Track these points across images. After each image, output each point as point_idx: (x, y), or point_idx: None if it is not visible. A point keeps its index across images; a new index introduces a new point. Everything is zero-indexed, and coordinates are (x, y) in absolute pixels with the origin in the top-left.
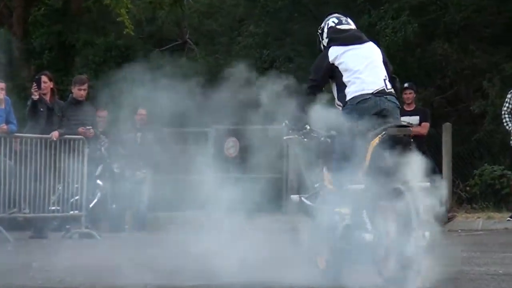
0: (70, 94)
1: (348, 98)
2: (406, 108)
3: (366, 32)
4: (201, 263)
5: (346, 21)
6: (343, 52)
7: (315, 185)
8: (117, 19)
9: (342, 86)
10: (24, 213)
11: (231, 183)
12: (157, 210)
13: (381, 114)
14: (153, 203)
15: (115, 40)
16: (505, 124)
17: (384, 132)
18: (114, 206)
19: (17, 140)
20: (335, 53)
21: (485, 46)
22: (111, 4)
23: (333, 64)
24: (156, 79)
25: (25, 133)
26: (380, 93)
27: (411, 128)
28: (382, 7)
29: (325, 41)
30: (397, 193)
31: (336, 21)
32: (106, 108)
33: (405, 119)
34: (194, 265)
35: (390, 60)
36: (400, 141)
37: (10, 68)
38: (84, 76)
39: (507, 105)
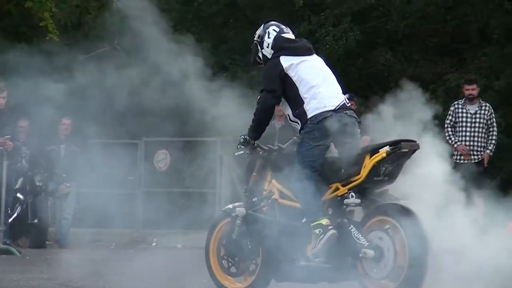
0: None
1: (309, 115)
2: None
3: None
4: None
5: (287, 29)
6: (298, 63)
7: (253, 199)
8: (40, 24)
9: (298, 101)
10: None
11: (161, 198)
12: (82, 226)
13: (343, 130)
14: (77, 219)
15: (37, 45)
16: (447, 137)
17: (396, 147)
18: (35, 221)
19: None
20: (288, 63)
21: (430, 56)
22: (33, 8)
23: (286, 74)
24: (81, 87)
25: None
26: (341, 109)
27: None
28: (323, 13)
29: (267, 51)
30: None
31: (277, 29)
32: (27, 117)
33: None
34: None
35: (331, 70)
36: (405, 156)
37: None
38: (1, 84)
39: (450, 117)
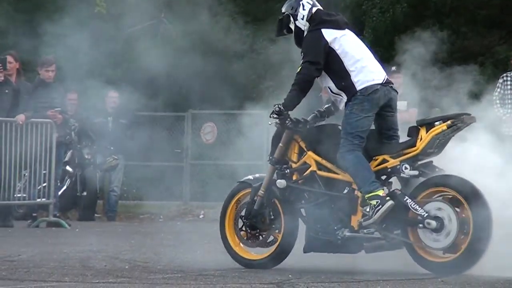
0: (37, 76)
1: (359, 87)
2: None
3: (352, 12)
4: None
5: (317, 3)
6: (340, 36)
7: (286, 170)
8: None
9: (344, 73)
10: None
11: (208, 170)
12: (130, 199)
13: (388, 104)
14: (125, 191)
15: (86, 19)
16: (496, 110)
17: (457, 121)
18: (84, 193)
19: None
20: (332, 36)
21: (478, 28)
22: None
23: (330, 47)
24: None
25: None
26: (386, 83)
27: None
28: None
29: (302, 22)
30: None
31: (311, 1)
32: (76, 90)
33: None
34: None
35: (378, 42)
36: (459, 129)
37: None
38: (51, 57)
39: (498, 90)
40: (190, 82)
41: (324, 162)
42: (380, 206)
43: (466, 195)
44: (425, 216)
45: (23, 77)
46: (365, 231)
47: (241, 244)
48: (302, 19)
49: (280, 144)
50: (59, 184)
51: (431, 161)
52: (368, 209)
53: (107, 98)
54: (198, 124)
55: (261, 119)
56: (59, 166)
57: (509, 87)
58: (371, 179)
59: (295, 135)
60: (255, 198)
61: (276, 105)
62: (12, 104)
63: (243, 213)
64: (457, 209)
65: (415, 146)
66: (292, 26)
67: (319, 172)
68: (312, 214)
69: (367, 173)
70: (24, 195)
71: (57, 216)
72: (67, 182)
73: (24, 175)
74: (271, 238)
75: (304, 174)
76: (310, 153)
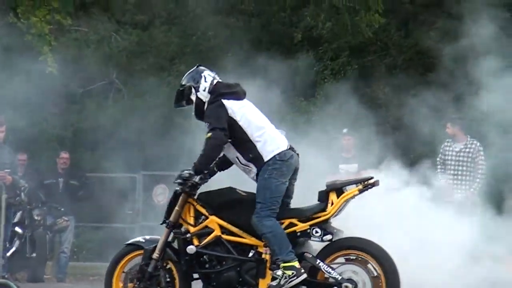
0: None
1: (269, 157)
2: (345, 154)
3: (305, 74)
4: None
5: (217, 75)
6: (240, 107)
7: (187, 235)
8: (39, 58)
9: (250, 145)
10: None
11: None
12: (80, 260)
13: (295, 171)
14: (75, 253)
15: (37, 79)
16: (437, 175)
17: (369, 185)
18: (33, 255)
19: None
20: (233, 107)
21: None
22: (32, 41)
23: (231, 117)
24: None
25: None
26: (292, 149)
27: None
28: (321, 48)
29: (204, 94)
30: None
31: (212, 74)
32: (25, 151)
33: (343, 167)
34: None
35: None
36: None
37: None
38: (1, 117)
39: (440, 155)
40: (141, 143)
41: (229, 226)
42: (295, 277)
43: (374, 255)
44: (339, 279)
45: None
46: None
47: None
48: (204, 90)
49: (177, 208)
50: (8, 245)
51: (330, 222)
52: (279, 274)
53: (58, 159)
54: (149, 185)
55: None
56: (8, 227)
57: (450, 153)
58: (289, 248)
59: (190, 198)
60: (149, 261)
61: (186, 171)
62: None
63: (132, 276)
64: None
65: (325, 210)
66: (193, 98)
67: (224, 236)
68: (218, 278)
69: (285, 242)
70: None
71: (6, 277)
72: (16, 243)
73: None
74: None
75: (207, 238)
76: (213, 217)
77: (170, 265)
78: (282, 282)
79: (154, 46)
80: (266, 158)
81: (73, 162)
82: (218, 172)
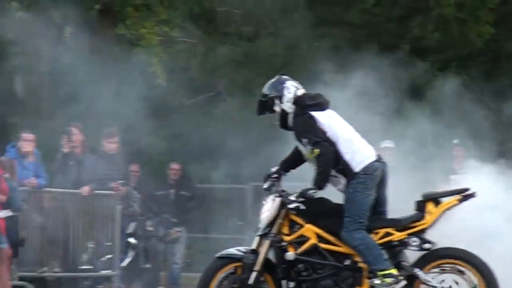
0: (101, 148)
1: (357, 169)
2: (456, 165)
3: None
4: None
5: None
6: (327, 119)
7: (283, 243)
8: (149, 70)
9: (338, 156)
10: (55, 272)
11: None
12: (192, 271)
13: (384, 179)
14: (188, 263)
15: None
16: None
17: (468, 195)
18: (147, 265)
19: (46, 195)
20: (321, 119)
21: None
22: (142, 53)
23: (322, 129)
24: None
25: (55, 188)
26: (380, 158)
27: None
28: (429, 58)
29: (288, 105)
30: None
31: (295, 84)
32: (137, 162)
33: (456, 177)
34: None
35: None
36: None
37: (38, 119)
38: (114, 129)
39: None
40: (249, 153)
41: (325, 234)
42: (395, 284)
43: (474, 265)
44: (437, 287)
45: (87, 149)
46: None
47: None
48: (288, 102)
49: (279, 220)
50: (122, 255)
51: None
52: (377, 282)
53: (169, 170)
54: (258, 196)
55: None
56: (123, 237)
57: None
58: (383, 257)
59: (298, 209)
60: (249, 274)
61: (312, 191)
62: (77, 176)
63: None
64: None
65: (423, 219)
66: (277, 109)
67: (321, 244)
68: (315, 286)
69: (378, 251)
70: (89, 266)
71: (121, 287)
72: (130, 254)
73: (89, 246)
74: None
75: (303, 246)
76: (309, 226)
77: (266, 277)
78: None
79: (260, 57)
80: (356, 169)
81: (183, 173)
82: (285, 174)
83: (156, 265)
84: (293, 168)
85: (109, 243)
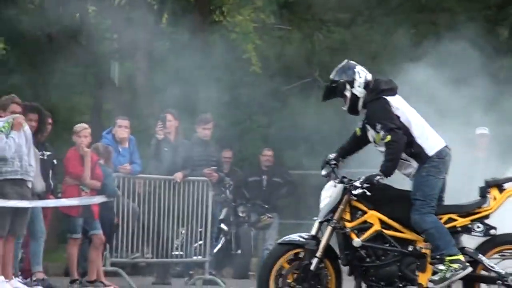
0: (195, 134)
1: (431, 153)
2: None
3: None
4: None
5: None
6: (400, 104)
7: (347, 229)
8: (244, 56)
9: (411, 140)
10: (147, 258)
11: None
12: None
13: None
14: None
15: (241, 77)
16: None
17: None
18: (239, 251)
19: (140, 181)
20: (395, 104)
21: None
22: (237, 40)
23: (396, 114)
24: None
25: (149, 174)
26: (447, 146)
27: None
28: None
29: (359, 90)
30: None
31: (365, 69)
32: (231, 148)
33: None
34: None
35: None
36: None
37: (134, 105)
38: (208, 115)
39: None
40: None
41: (389, 221)
42: (462, 270)
43: None
44: (503, 273)
45: (181, 135)
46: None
47: None
48: (359, 86)
49: (341, 206)
50: (214, 242)
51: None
52: (442, 268)
53: (261, 156)
54: None
55: None
56: (215, 224)
57: None
58: (452, 242)
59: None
60: (311, 260)
61: (379, 177)
62: (171, 162)
63: (289, 279)
64: None
65: (487, 205)
66: (347, 94)
67: (385, 231)
68: (378, 273)
69: (449, 237)
70: (181, 252)
71: (213, 274)
72: (222, 240)
73: (181, 232)
74: None
75: (366, 233)
76: (373, 212)
77: (327, 263)
78: (448, 275)
79: (356, 44)
80: (430, 153)
81: (276, 160)
82: (343, 160)
83: (247, 251)
84: (351, 154)
85: (201, 229)
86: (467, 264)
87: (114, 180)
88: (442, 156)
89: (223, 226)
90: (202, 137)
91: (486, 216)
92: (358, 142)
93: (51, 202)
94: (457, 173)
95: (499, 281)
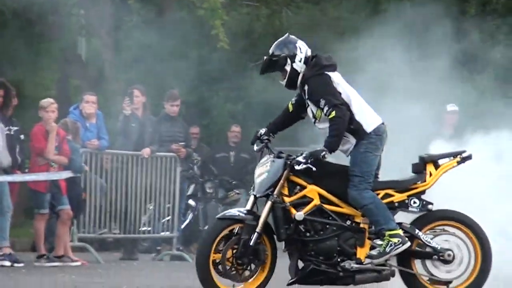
0: (163, 110)
1: (370, 129)
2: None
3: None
4: None
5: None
6: (340, 80)
7: (286, 204)
8: (211, 32)
9: (350, 116)
10: (114, 233)
11: None
12: None
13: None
14: None
15: (209, 54)
16: None
17: (466, 158)
18: (206, 227)
19: (108, 156)
20: (336, 80)
21: None
22: (205, 16)
23: (337, 90)
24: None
25: (116, 150)
26: (383, 123)
27: None
28: (494, 22)
29: (299, 65)
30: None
31: (305, 44)
32: (198, 124)
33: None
34: None
35: None
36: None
37: (100, 81)
38: (176, 91)
39: None
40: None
41: (328, 195)
42: (401, 245)
43: (470, 227)
44: (439, 248)
45: (148, 111)
46: (375, 262)
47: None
48: (300, 61)
49: (281, 181)
50: (182, 217)
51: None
52: (380, 243)
53: (229, 133)
54: None
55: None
56: (183, 199)
57: None
58: (391, 217)
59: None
60: (251, 235)
61: (323, 152)
62: (138, 138)
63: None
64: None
65: (424, 181)
66: (287, 68)
67: (326, 206)
68: (318, 247)
69: (387, 211)
70: (149, 228)
71: (180, 249)
72: (190, 215)
73: (149, 208)
74: (254, 273)
75: (306, 207)
76: (313, 186)
77: (264, 238)
78: (387, 250)
79: (324, 20)
80: (368, 130)
81: (244, 136)
82: (274, 136)
83: None
84: (281, 130)
85: (168, 205)
86: (406, 239)
87: (82, 156)
88: (380, 133)
89: (190, 202)
90: (170, 113)
91: (423, 192)
92: (290, 118)
93: (19, 177)
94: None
95: (435, 256)
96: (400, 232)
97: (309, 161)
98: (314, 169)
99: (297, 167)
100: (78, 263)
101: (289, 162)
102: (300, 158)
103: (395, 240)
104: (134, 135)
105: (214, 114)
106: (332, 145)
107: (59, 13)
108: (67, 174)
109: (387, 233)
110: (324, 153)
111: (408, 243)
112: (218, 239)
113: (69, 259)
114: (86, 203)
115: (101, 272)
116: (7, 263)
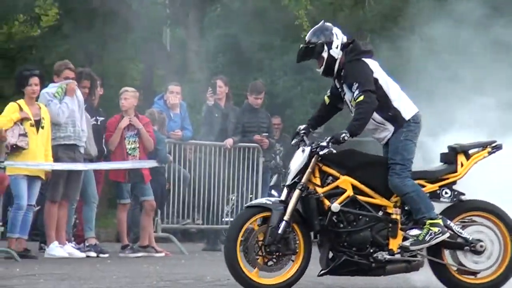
0: (246, 101)
1: (408, 116)
2: None
3: None
4: None
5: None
6: (377, 67)
7: (319, 194)
8: (295, 22)
9: (389, 104)
10: (197, 224)
11: None
12: None
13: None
14: None
15: (291, 43)
16: None
17: (496, 148)
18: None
19: (191, 147)
20: (373, 66)
21: None
22: (289, 5)
23: (374, 77)
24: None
25: (199, 140)
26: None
27: None
28: None
29: (336, 51)
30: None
31: (340, 31)
32: (280, 115)
33: None
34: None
35: None
36: None
37: (184, 72)
38: (260, 83)
39: None
40: None
41: (362, 186)
42: (441, 234)
43: (502, 217)
44: (470, 239)
45: (232, 102)
46: (408, 254)
47: (257, 270)
48: (337, 48)
49: (309, 169)
50: None
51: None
52: (420, 232)
53: None
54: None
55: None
56: (265, 190)
57: None
58: (432, 206)
59: (331, 160)
60: (279, 223)
61: (344, 134)
62: (221, 128)
63: (259, 239)
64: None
65: (455, 172)
66: (324, 55)
67: (359, 197)
68: (351, 238)
69: (428, 200)
70: (231, 219)
71: None
72: None
73: (232, 198)
74: (288, 262)
75: (339, 198)
76: (346, 177)
77: (295, 227)
78: (427, 238)
79: (406, 11)
80: (406, 117)
81: (327, 126)
82: (313, 131)
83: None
84: (320, 125)
85: (251, 196)
86: (446, 229)
87: (166, 146)
88: (418, 120)
89: (273, 192)
90: (253, 105)
91: (454, 182)
92: (327, 111)
93: (104, 165)
94: None
95: (466, 247)
96: (441, 222)
97: (329, 144)
98: (334, 151)
99: (321, 152)
100: (162, 254)
101: (314, 149)
102: (323, 143)
103: (436, 229)
104: (217, 126)
105: (296, 104)
106: (354, 129)
107: (144, 3)
108: (152, 163)
109: (428, 221)
110: (344, 135)
111: (448, 234)
112: (246, 226)
113: (153, 249)
114: (170, 194)
115: (185, 263)
116: (93, 254)
